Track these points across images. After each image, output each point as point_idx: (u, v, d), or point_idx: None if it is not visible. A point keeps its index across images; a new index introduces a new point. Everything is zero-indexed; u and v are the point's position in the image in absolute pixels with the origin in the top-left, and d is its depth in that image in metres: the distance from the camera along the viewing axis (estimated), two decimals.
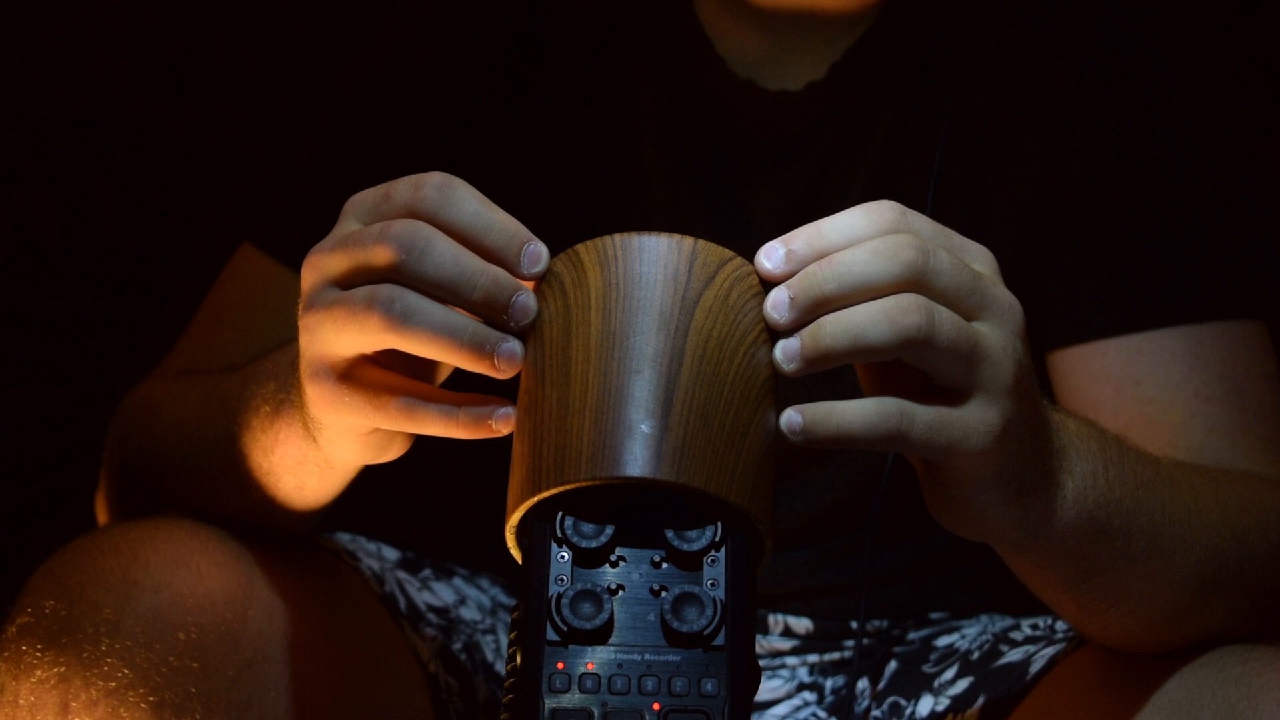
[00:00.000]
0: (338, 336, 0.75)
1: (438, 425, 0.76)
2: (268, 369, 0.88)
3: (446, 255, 0.73)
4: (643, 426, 0.71)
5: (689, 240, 0.75)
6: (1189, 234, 1.06)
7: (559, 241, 0.77)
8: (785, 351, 0.73)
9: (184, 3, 1.43)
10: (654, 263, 0.74)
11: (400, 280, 0.74)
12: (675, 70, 1.09)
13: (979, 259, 0.76)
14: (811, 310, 0.73)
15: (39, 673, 0.85)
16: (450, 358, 0.74)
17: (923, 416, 0.73)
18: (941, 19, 1.09)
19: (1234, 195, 1.08)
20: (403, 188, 0.76)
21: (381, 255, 0.74)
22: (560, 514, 0.72)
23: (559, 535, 0.72)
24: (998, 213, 1.08)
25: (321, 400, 0.78)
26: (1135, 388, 1.04)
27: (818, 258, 0.73)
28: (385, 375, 0.77)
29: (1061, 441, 0.81)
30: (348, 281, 0.75)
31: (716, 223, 1.08)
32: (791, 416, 0.73)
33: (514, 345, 0.74)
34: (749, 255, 0.76)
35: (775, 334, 0.74)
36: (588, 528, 0.72)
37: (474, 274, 0.73)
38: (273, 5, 1.44)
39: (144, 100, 1.42)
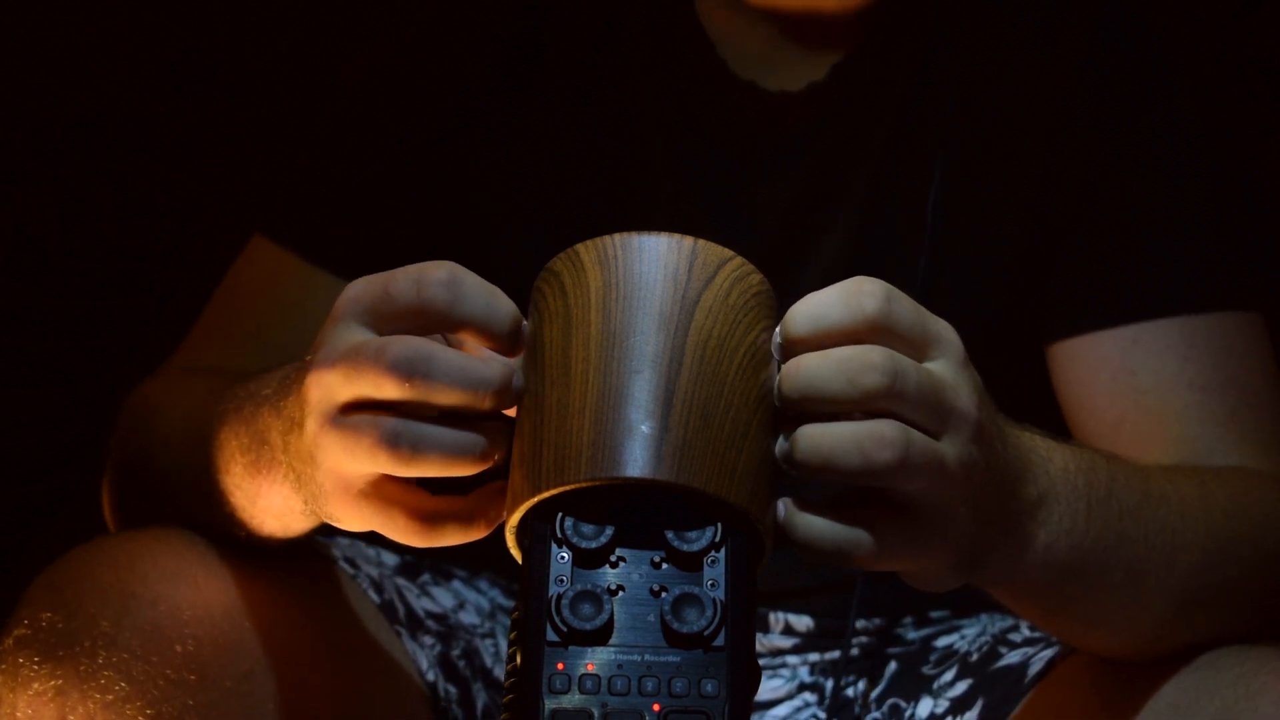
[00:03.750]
0: (351, 461, 0.75)
1: (457, 537, 0.76)
2: (237, 414, 0.87)
3: (452, 372, 0.72)
4: (643, 427, 0.71)
5: (689, 240, 0.75)
6: (1186, 227, 1.06)
7: (560, 241, 0.77)
8: (779, 450, 0.74)
9: (184, 3, 1.43)
10: (654, 262, 0.74)
11: (409, 406, 0.73)
12: (676, 71, 1.09)
13: (946, 352, 0.75)
14: (790, 405, 0.73)
15: (36, 685, 0.85)
16: (462, 472, 0.74)
17: (891, 545, 0.74)
18: (942, 19, 1.09)
19: (1232, 190, 1.09)
20: (404, 285, 0.74)
21: (385, 384, 0.72)
22: (560, 514, 0.72)
23: (559, 536, 0.72)
24: (998, 212, 1.08)
25: (345, 512, 0.77)
26: (1131, 378, 1.04)
27: (796, 343, 0.74)
28: (398, 491, 0.76)
29: (1040, 490, 0.81)
30: (353, 407, 0.74)
31: (719, 222, 1.08)
32: (779, 507, 0.74)
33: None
34: (752, 255, 0.76)
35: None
36: (587, 528, 0.72)
37: (482, 383, 0.72)
38: (273, 5, 1.44)
39: (144, 100, 1.43)
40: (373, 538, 1.16)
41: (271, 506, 0.86)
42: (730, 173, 1.09)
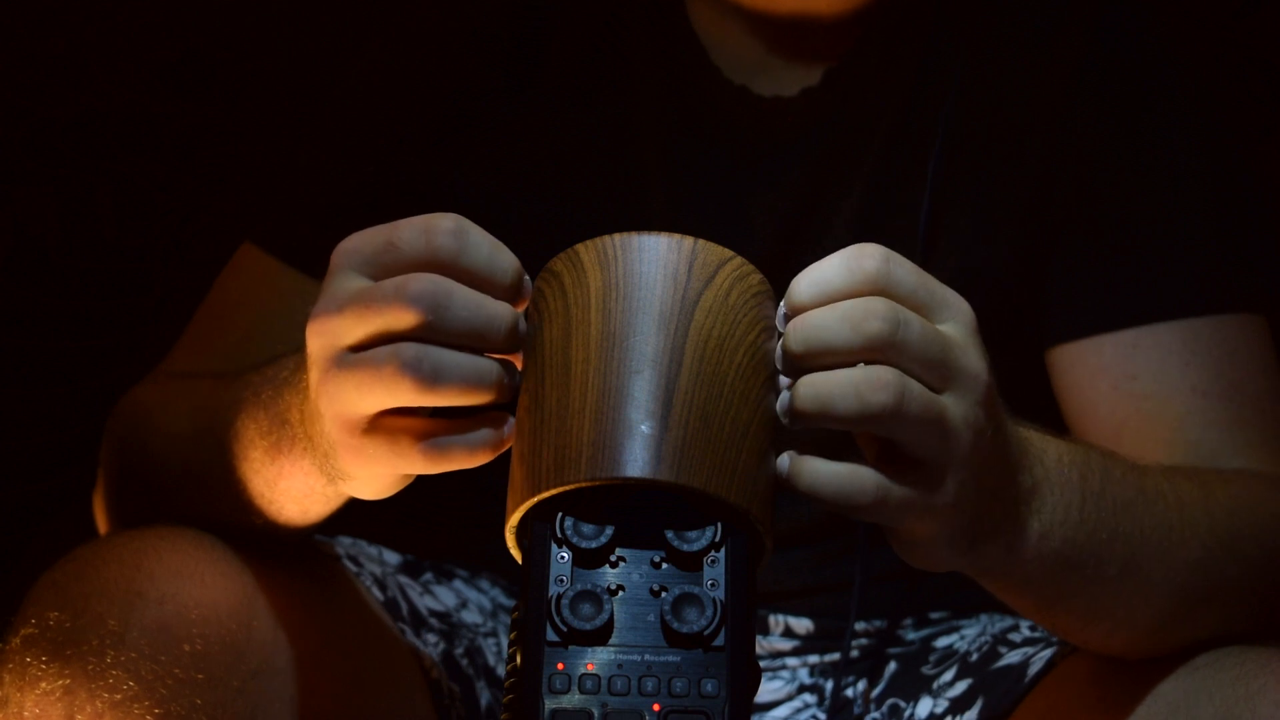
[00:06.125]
0: (361, 399, 0.75)
1: (463, 461, 0.76)
2: (255, 399, 0.87)
3: (470, 305, 0.73)
4: (642, 427, 0.71)
5: (689, 240, 0.75)
6: (1186, 229, 1.06)
7: (559, 242, 0.77)
8: (780, 404, 0.75)
9: (184, 3, 1.43)
10: (654, 262, 0.74)
11: (426, 338, 0.73)
12: (670, 75, 1.09)
13: (955, 316, 0.76)
14: (793, 365, 0.74)
15: (44, 685, 0.84)
16: (480, 400, 0.74)
17: (895, 495, 0.74)
18: (939, 22, 1.08)
19: (1232, 191, 1.08)
20: (410, 235, 0.75)
21: (405, 318, 0.73)
22: (560, 514, 0.72)
23: (559, 536, 0.72)
24: (998, 213, 1.08)
25: (353, 456, 0.77)
26: (1131, 383, 1.04)
27: (800, 310, 0.74)
28: (402, 421, 0.76)
29: (1035, 479, 0.81)
30: (365, 345, 0.75)
31: (716, 226, 1.08)
32: (783, 460, 0.75)
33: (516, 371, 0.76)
34: (749, 258, 0.77)
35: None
36: (587, 528, 0.72)
37: (497, 318, 0.74)
38: (273, 5, 1.44)
39: (144, 100, 1.42)
40: (374, 535, 1.16)
41: (292, 489, 0.86)
42: (726, 178, 1.09)
